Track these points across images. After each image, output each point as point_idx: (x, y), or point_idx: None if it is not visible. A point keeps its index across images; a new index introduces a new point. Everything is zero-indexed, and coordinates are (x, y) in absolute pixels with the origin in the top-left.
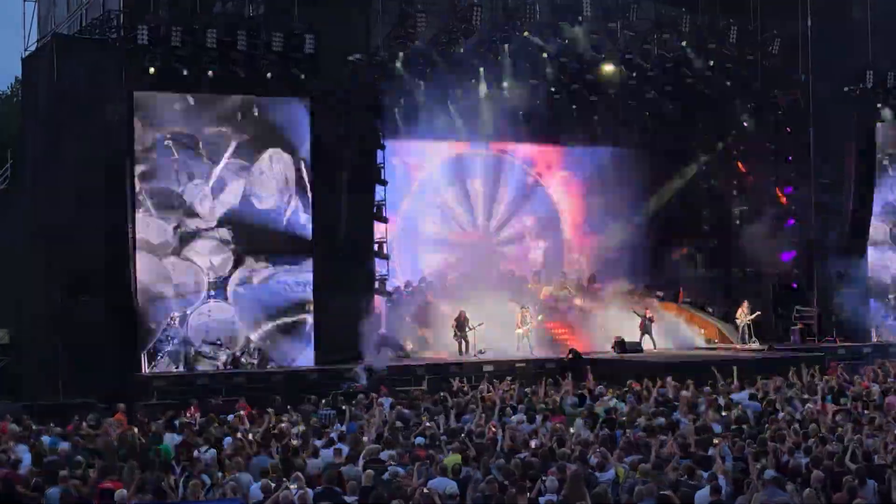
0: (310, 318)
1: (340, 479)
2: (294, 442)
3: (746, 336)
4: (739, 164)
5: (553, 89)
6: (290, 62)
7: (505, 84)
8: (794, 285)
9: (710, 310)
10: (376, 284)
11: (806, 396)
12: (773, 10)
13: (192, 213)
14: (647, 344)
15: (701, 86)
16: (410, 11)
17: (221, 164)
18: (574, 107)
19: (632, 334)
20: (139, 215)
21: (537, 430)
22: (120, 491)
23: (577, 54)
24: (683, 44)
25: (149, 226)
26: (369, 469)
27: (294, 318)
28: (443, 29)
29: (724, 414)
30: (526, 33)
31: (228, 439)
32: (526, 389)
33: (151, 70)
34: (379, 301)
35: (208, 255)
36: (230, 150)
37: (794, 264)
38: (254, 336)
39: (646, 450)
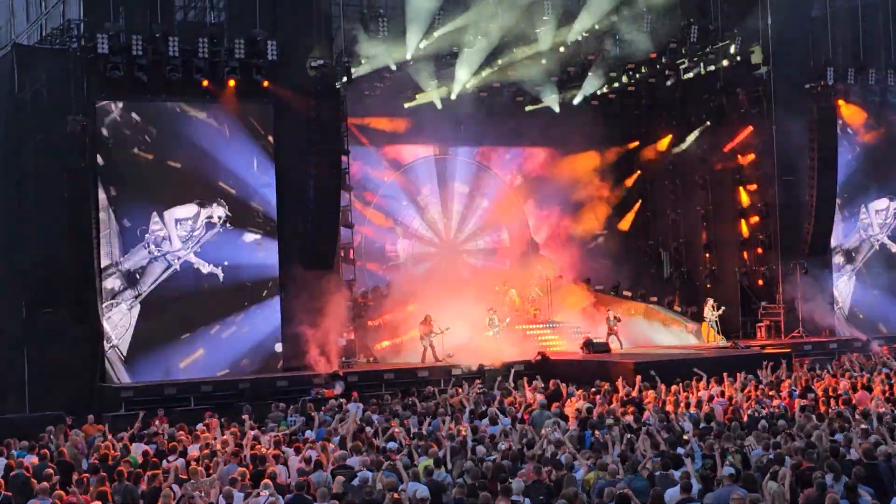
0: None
1: (310, 485)
2: (263, 449)
3: (713, 333)
4: (702, 162)
5: (515, 92)
6: (253, 69)
7: (467, 87)
8: (760, 282)
9: (678, 308)
10: (343, 290)
11: (772, 393)
12: (733, 9)
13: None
14: (613, 344)
15: (663, 85)
16: (372, 16)
17: None
18: (537, 108)
19: (599, 334)
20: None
21: (507, 432)
22: None
23: (539, 55)
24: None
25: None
26: (339, 475)
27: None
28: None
29: (692, 412)
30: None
31: (197, 448)
32: (495, 392)
33: (113, 79)
34: (346, 306)
35: None
36: None
37: (758, 261)
38: None
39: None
